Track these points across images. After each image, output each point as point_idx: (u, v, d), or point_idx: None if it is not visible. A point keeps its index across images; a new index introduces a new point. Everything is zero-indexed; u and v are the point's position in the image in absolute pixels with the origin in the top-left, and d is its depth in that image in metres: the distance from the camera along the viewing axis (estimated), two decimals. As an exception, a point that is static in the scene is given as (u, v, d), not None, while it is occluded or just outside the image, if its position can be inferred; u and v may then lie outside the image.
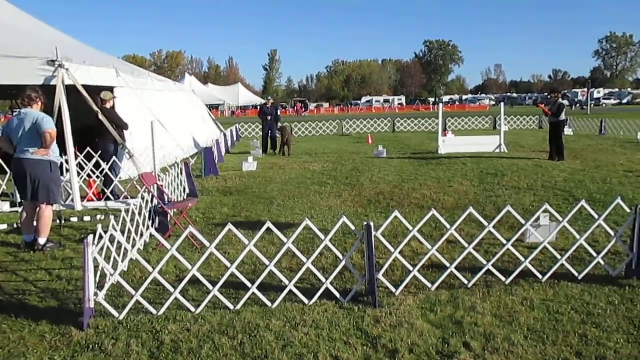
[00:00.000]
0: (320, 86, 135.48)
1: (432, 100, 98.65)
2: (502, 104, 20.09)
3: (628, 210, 5.31)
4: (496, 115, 27.07)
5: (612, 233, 5.27)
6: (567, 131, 24.25)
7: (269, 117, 18.13)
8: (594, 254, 5.17)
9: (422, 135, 26.15)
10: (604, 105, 72.20)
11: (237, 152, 19.54)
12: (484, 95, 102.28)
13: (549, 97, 16.22)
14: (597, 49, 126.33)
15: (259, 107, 20.02)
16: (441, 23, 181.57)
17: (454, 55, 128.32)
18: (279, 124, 18.64)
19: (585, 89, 62.54)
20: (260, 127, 19.58)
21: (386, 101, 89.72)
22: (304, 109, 74.13)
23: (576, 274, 5.08)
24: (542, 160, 14.23)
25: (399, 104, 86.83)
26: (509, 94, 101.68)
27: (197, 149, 16.85)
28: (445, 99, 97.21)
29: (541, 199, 8.78)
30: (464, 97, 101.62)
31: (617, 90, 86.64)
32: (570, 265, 5.14)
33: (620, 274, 5.15)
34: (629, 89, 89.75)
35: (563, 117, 14.17)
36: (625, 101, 74.35)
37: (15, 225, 7.63)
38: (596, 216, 5.15)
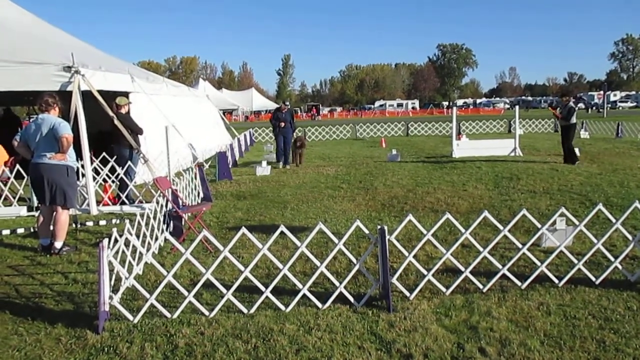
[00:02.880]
0: (333, 90, 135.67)
1: (445, 103, 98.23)
2: (517, 107, 19.95)
3: (646, 214, 5.23)
4: (511, 118, 26.87)
5: (630, 237, 5.20)
6: (584, 134, 24.03)
7: (282, 124, 15.32)
8: (612, 259, 5.10)
9: (436, 139, 26.04)
10: (620, 108, 71.34)
11: (251, 156, 19.62)
12: (498, 99, 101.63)
13: (560, 100, 16.13)
14: (613, 51, 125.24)
15: (272, 112, 16.58)
16: (455, 26, 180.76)
17: (467, 58, 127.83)
18: (294, 134, 16.28)
19: (602, 92, 61.88)
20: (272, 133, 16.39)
21: (399, 105, 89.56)
22: (317, 113, 74.29)
23: (593, 279, 5.01)
24: (557, 163, 14.08)
25: (412, 108, 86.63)
26: (523, 97, 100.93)
27: (211, 153, 16.94)
28: (459, 102, 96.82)
29: (557, 203, 8.69)
30: (478, 100, 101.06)
31: (633, 92, 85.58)
32: (587, 269, 5.07)
33: (638, 278, 5.07)
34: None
35: (574, 120, 14.04)
36: None
37: (32, 229, 7.73)
38: (613, 220, 5.08)
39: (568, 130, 14.10)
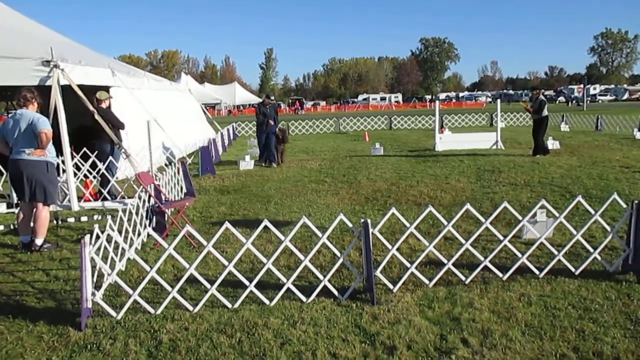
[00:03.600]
0: (317, 84, 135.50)
1: (428, 97, 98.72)
2: (499, 100, 20.12)
3: (624, 206, 5.33)
4: (492, 112, 27.10)
5: (608, 228, 5.29)
6: (564, 127, 24.34)
7: (271, 122, 14.07)
8: (591, 250, 5.19)
9: (418, 132, 26.17)
10: (600, 101, 72.35)
11: (234, 150, 19.53)
12: (480, 92, 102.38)
13: (531, 93, 16.35)
14: (592, 45, 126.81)
15: (255, 107, 14.83)
16: (437, 20, 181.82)
17: (450, 52, 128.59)
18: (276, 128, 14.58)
19: (582, 86, 62.68)
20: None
21: (383, 99, 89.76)
22: (300, 107, 74.20)
23: (573, 270, 5.09)
24: (538, 156, 14.24)
25: (395, 102, 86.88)
26: (505, 91, 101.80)
27: (194, 147, 16.83)
28: (442, 96, 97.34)
29: (538, 195, 8.80)
30: (461, 94, 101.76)
31: (612, 86, 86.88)
32: (567, 260, 5.15)
33: (617, 269, 5.16)
34: (625, 85, 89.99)
35: (545, 113, 14.23)
36: (624, 98, 74.24)
37: (12, 226, 7.62)
38: (592, 212, 5.17)
39: (540, 124, 14.28)
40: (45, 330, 4.24)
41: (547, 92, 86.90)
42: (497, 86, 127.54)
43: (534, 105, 14.35)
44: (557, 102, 74.26)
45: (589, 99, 62.22)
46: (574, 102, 66.34)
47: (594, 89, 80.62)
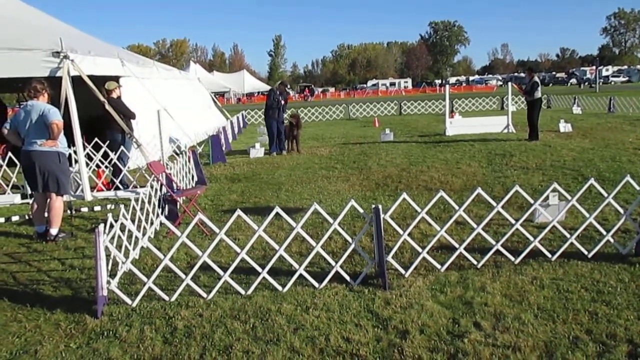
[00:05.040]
0: (325, 71, 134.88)
1: (438, 82, 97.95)
2: (510, 84, 19.91)
3: (637, 188, 5.28)
4: (503, 95, 26.84)
5: (621, 211, 5.25)
6: (576, 110, 24.06)
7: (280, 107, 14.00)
8: (604, 232, 5.15)
9: (429, 117, 26.02)
10: (612, 83, 71.28)
11: (244, 138, 19.55)
12: (490, 76, 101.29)
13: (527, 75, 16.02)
14: (605, 25, 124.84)
15: (270, 94, 14.54)
16: (446, 3, 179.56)
17: (459, 35, 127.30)
18: (285, 114, 14.63)
19: (594, 67, 61.79)
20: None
21: (392, 84, 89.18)
22: (310, 94, 73.94)
23: (586, 253, 5.07)
24: (550, 139, 14.12)
25: (405, 87, 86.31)
26: (516, 74, 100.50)
27: (204, 136, 16.88)
28: (452, 80, 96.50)
29: (550, 179, 8.74)
30: (471, 78, 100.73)
31: (625, 67, 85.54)
32: (580, 243, 5.13)
33: (630, 251, 5.13)
34: (638, 66, 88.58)
35: (538, 95, 14.03)
36: None
37: (26, 217, 7.72)
38: (605, 194, 5.13)
39: (533, 106, 14.09)
40: (62, 318, 4.31)
41: (558, 75, 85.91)
42: (508, 69, 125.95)
43: (526, 87, 14.17)
44: (569, 84, 73.28)
45: (602, 80, 61.37)
46: (586, 84, 65.44)
47: (607, 70, 79.42)
